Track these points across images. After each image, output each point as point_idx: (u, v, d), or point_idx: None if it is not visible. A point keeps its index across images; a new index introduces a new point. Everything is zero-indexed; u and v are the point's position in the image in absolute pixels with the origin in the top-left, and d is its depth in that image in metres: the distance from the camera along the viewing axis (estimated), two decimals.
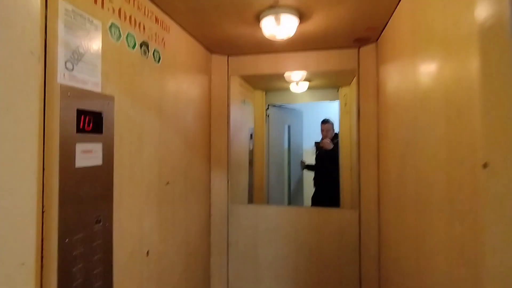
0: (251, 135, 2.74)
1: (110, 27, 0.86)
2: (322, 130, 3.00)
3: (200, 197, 1.57)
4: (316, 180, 3.06)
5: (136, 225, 0.97)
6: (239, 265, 1.74)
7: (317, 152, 3.03)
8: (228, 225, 1.74)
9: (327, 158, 2.86)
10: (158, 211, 1.11)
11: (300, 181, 3.57)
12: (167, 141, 1.20)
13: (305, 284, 1.66)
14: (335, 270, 1.63)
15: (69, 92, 0.69)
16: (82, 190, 0.72)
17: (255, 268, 1.72)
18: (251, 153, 2.66)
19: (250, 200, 2.46)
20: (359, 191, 1.58)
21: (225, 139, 1.75)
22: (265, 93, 2.88)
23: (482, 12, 0.53)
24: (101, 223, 0.77)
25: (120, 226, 0.87)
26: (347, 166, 2.42)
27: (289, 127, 3.54)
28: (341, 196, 2.37)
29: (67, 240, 0.66)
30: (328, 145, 2.85)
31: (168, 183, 1.18)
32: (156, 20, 1.12)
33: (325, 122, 3.01)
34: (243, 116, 2.36)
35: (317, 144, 3.01)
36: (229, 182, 1.75)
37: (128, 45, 0.95)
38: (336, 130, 2.89)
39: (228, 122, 1.75)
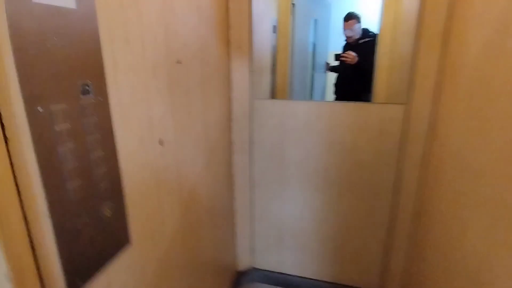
0: (274, 27, 2.33)
1: None
2: (344, 29, 2.43)
3: (218, 88, 1.34)
4: (337, 87, 2.68)
5: (144, 107, 0.77)
6: (264, 165, 1.63)
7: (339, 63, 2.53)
8: (251, 122, 1.56)
9: (352, 68, 2.35)
10: (169, 95, 0.90)
11: (323, 84, 3.25)
12: (174, 5, 0.90)
13: (335, 184, 1.56)
14: (369, 172, 1.49)
15: None
16: (50, 42, 0.49)
17: (282, 167, 1.60)
18: (274, 48, 2.31)
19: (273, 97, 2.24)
20: (411, 82, 1.29)
21: (246, 22, 1.41)
22: None
23: None
24: (90, 95, 0.57)
25: (120, 104, 0.67)
26: (383, 65, 2.06)
27: (315, 21, 3.03)
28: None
29: (39, 108, 0.47)
30: (353, 58, 2.25)
31: (179, 61, 0.93)
32: None
33: (349, 18, 2.40)
34: (266, 3, 1.95)
35: (337, 56, 2.43)
36: (251, 73, 1.49)
37: None
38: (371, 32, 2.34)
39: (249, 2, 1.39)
